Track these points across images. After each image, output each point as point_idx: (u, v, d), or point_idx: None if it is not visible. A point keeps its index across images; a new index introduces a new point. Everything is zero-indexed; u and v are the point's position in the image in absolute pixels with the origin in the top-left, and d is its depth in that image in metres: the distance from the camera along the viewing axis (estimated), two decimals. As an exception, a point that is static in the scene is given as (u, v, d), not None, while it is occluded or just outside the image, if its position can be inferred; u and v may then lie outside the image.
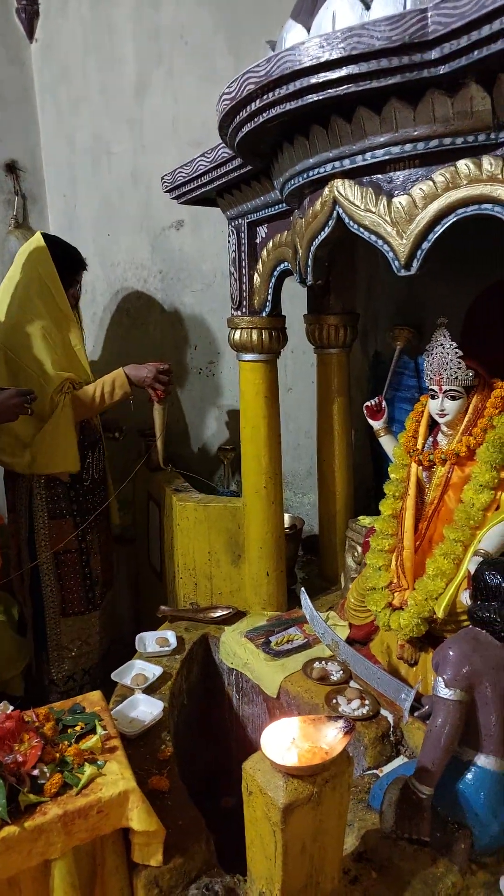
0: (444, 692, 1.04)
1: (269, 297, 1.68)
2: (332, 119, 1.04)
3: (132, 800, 1.05)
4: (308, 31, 1.01)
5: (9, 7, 2.69)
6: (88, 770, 1.08)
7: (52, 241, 2.10)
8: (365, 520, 1.87)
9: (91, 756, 1.13)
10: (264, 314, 1.71)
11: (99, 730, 1.18)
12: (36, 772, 1.06)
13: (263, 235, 1.67)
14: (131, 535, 2.73)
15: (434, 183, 1.00)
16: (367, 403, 1.82)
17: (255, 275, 1.70)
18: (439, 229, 1.01)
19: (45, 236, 2.10)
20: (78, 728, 1.19)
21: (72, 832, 1.01)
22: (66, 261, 2.11)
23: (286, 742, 0.95)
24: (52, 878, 1.01)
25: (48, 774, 1.06)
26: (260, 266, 1.68)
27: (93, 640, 2.24)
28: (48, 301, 2.04)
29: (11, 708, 1.14)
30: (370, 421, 1.82)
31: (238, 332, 1.74)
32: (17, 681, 2.31)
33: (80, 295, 2.23)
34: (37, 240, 2.08)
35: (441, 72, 0.86)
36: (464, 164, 0.96)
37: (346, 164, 1.08)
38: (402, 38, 0.84)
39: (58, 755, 1.10)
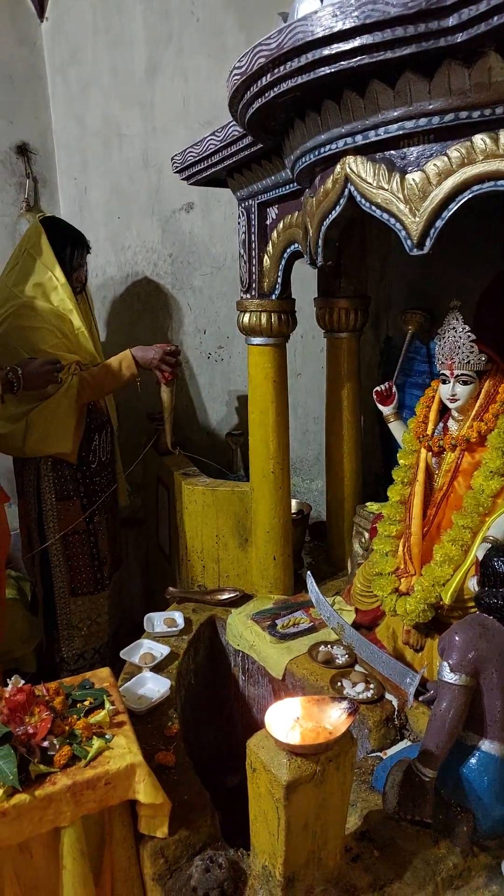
0: (450, 677, 1.04)
1: (279, 280, 1.67)
2: (344, 93, 1.02)
3: (139, 773, 1.07)
4: (321, 0, 0.99)
5: (20, -16, 2.66)
6: (97, 743, 1.09)
7: (51, 225, 2.08)
8: (373, 506, 1.86)
9: (99, 730, 1.15)
10: (274, 297, 1.70)
11: (107, 705, 1.20)
12: (46, 743, 1.08)
13: (274, 216, 1.65)
14: (141, 517, 2.74)
15: (449, 158, 0.97)
16: (377, 389, 1.80)
17: (265, 257, 1.68)
18: (454, 207, 0.99)
19: (45, 220, 2.09)
20: (87, 703, 1.21)
21: (80, 802, 1.03)
22: (65, 244, 2.08)
23: (290, 721, 0.96)
24: (61, 845, 1.04)
25: (57, 746, 1.08)
26: (270, 248, 1.66)
27: (102, 620, 2.27)
28: (46, 286, 2.04)
29: (23, 682, 1.16)
30: (380, 406, 1.80)
31: (247, 315, 1.73)
32: (29, 658, 2.35)
33: (85, 278, 2.20)
34: (34, 224, 2.08)
35: (459, 40, 0.84)
36: (480, 139, 0.94)
37: (359, 139, 1.06)
38: (419, 4, 0.81)
39: (67, 728, 1.12)
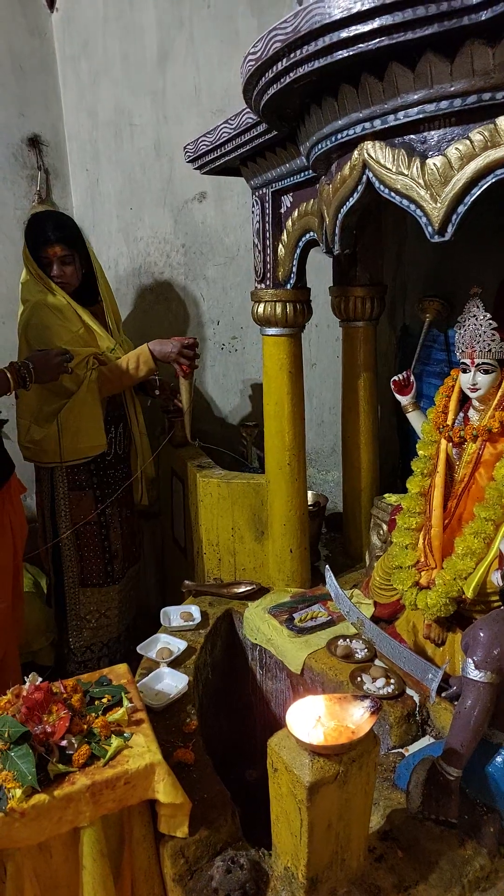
0: (475, 674, 1.02)
1: (294, 269, 1.64)
2: (362, 77, 0.99)
3: (158, 772, 1.06)
4: (338, -19, 0.95)
5: (29, -26, 2.63)
6: (115, 742, 1.09)
7: (28, 222, 2.07)
8: (391, 497, 1.84)
9: (118, 728, 1.14)
10: (289, 287, 1.67)
11: (125, 702, 1.20)
12: (64, 742, 1.07)
13: (288, 205, 1.62)
14: (156, 509, 2.74)
15: (471, 142, 0.94)
16: (395, 378, 1.77)
17: (280, 246, 1.65)
18: (476, 192, 0.95)
19: (33, 216, 2.08)
20: (105, 700, 1.21)
21: (99, 802, 1.03)
22: (27, 239, 2.04)
23: (311, 720, 0.95)
24: (81, 845, 1.03)
25: (76, 745, 1.08)
26: (284, 237, 1.63)
27: (112, 614, 2.27)
28: (46, 283, 2.05)
29: (40, 679, 1.16)
30: (398, 396, 1.77)
31: (262, 305, 1.71)
32: (46, 651, 2.37)
33: (70, 272, 2.07)
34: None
35: (483, 17, 0.80)
36: (504, 121, 0.91)
37: (377, 124, 1.03)
38: (441, -19, 0.78)
39: (85, 727, 1.12)
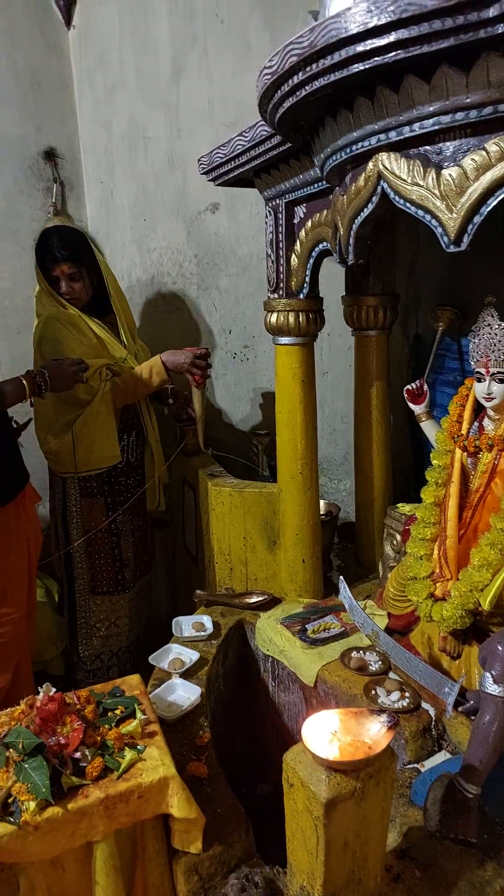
0: (493, 688, 1.00)
1: (307, 279, 1.64)
2: (377, 89, 0.99)
3: (172, 786, 1.05)
4: (354, -5, 0.96)
5: (48, -6, 2.68)
6: (129, 755, 1.08)
7: (38, 238, 2.09)
8: (405, 507, 1.82)
9: (131, 740, 1.13)
10: (301, 296, 1.67)
11: (139, 714, 1.19)
12: (78, 754, 1.07)
13: (302, 215, 1.62)
14: (168, 518, 2.74)
15: (487, 153, 0.93)
16: (408, 387, 1.77)
17: (293, 256, 1.65)
18: (492, 202, 0.95)
19: (42, 233, 2.09)
20: (118, 711, 1.20)
21: (113, 816, 1.02)
22: (36, 257, 2.07)
23: (327, 735, 0.94)
24: (94, 860, 1.02)
25: (89, 757, 1.07)
26: (298, 247, 1.64)
27: (122, 623, 2.27)
28: (56, 299, 2.08)
29: (54, 690, 1.15)
30: (411, 405, 1.77)
31: (274, 315, 1.71)
32: (57, 661, 2.37)
33: (79, 288, 2.09)
34: None
35: (499, 30, 0.80)
36: (520, 132, 0.90)
37: (393, 136, 1.03)
38: (458, -5, 0.78)
39: (99, 738, 1.11)
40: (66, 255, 2.02)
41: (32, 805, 0.98)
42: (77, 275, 2.06)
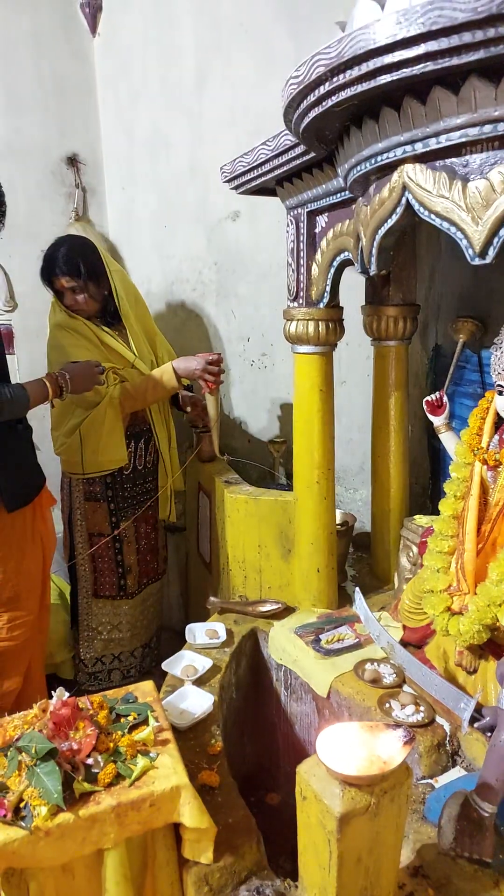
0: (511, 706, 0.99)
1: (328, 288, 1.64)
2: (405, 101, 0.99)
3: (184, 795, 1.05)
4: (382, 7, 0.96)
5: (73, 2, 2.72)
6: (141, 762, 1.08)
7: (46, 251, 2.11)
8: (422, 519, 1.81)
9: (143, 747, 1.13)
10: (321, 305, 1.67)
11: (151, 721, 1.18)
12: (90, 761, 1.06)
13: (323, 225, 1.63)
14: (182, 524, 2.74)
15: (515, 166, 0.93)
16: (428, 398, 1.75)
17: (314, 265, 1.66)
18: (519, 215, 0.94)
19: (50, 246, 2.11)
20: (130, 718, 1.20)
21: (125, 823, 1.01)
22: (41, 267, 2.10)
23: (342, 748, 0.93)
24: (104, 868, 1.02)
25: (102, 764, 1.06)
26: (319, 256, 1.64)
27: (124, 628, 2.28)
28: (63, 309, 2.11)
29: (67, 695, 1.15)
30: (430, 417, 1.75)
31: (294, 323, 1.71)
32: (68, 664, 2.37)
33: (82, 300, 2.09)
34: None
35: (531, 44, 0.80)
36: (548, 145, 0.90)
37: (419, 147, 1.03)
38: (489, 8, 0.77)
39: (111, 745, 1.11)
40: (66, 269, 2.04)
41: (44, 810, 0.98)
42: (79, 288, 2.07)
